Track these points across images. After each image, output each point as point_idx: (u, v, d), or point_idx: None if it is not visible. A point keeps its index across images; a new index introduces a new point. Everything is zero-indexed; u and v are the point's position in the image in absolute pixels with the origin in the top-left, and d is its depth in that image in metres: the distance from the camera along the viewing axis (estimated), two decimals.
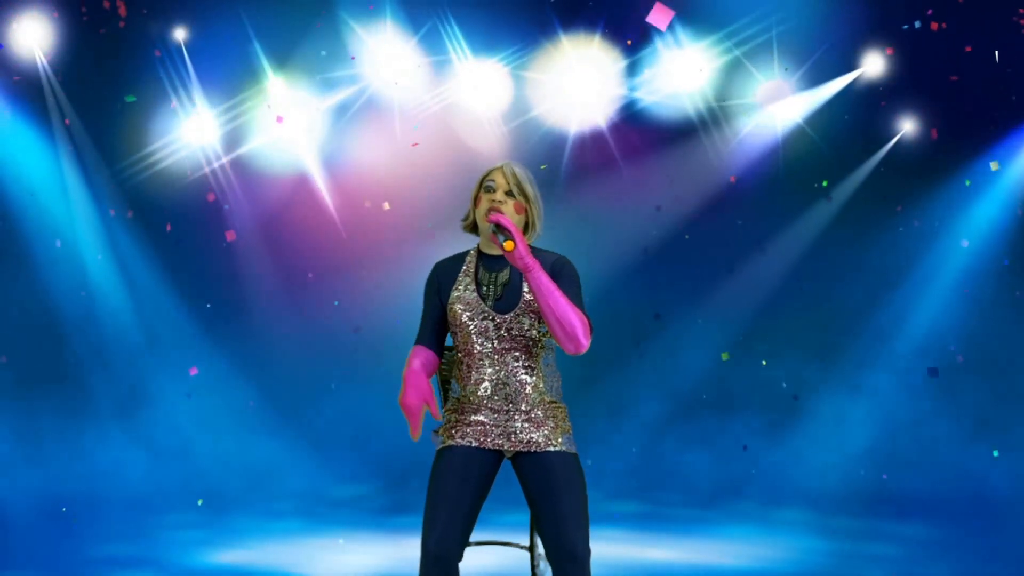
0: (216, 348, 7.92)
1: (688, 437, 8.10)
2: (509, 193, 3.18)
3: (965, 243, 8.07)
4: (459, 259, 3.29)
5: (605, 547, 5.73)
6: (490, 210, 3.15)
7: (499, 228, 3.04)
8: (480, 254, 3.27)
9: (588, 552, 3.00)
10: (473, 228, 3.29)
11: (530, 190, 3.20)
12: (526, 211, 3.20)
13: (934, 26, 7.36)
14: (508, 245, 2.97)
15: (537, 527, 3.12)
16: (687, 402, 8.19)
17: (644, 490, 7.62)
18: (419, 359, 3.17)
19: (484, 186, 3.20)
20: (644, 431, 8.13)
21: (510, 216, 3.15)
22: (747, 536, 6.33)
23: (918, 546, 6.07)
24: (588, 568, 2.99)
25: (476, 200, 3.22)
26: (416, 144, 7.55)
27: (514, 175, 3.19)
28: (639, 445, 8.06)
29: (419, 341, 3.27)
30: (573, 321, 3.00)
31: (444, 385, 3.52)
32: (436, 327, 3.27)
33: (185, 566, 5.63)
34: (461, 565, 3.07)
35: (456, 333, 3.23)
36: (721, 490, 7.62)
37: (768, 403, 8.15)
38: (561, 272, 3.16)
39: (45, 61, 7.39)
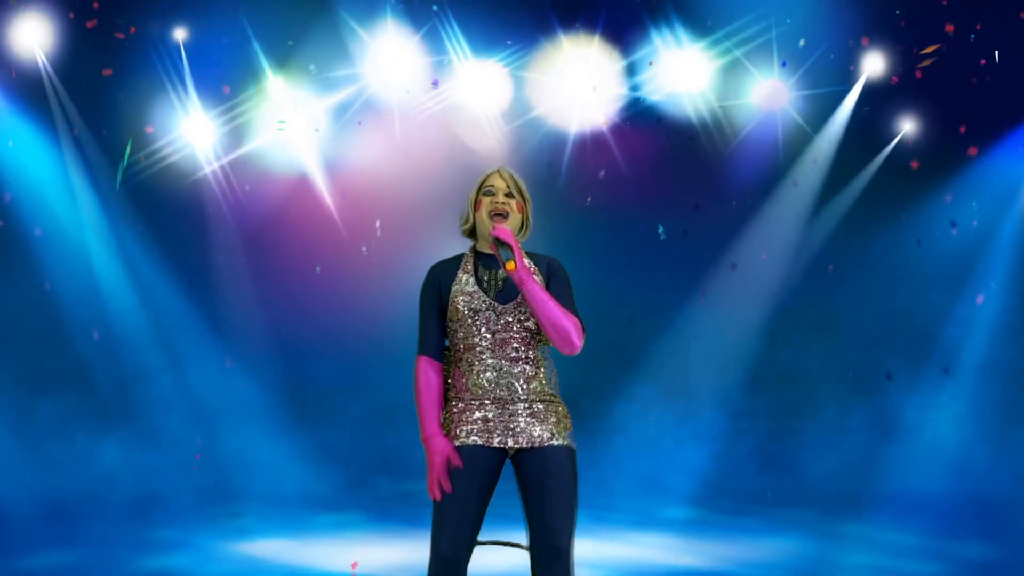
0: (218, 347, 7.93)
1: (690, 436, 8.11)
2: (509, 194, 3.31)
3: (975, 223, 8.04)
4: (455, 260, 3.35)
5: (606, 547, 5.75)
6: (492, 214, 3.26)
7: (499, 242, 3.14)
8: (477, 253, 3.35)
9: (571, 545, 3.04)
10: (471, 232, 3.38)
11: (526, 191, 3.36)
12: (523, 210, 3.33)
13: (949, 28, 7.33)
14: (509, 266, 3.08)
15: (526, 515, 3.15)
16: (688, 400, 8.20)
17: (646, 489, 7.64)
18: (432, 400, 3.22)
19: (483, 190, 3.32)
20: (642, 429, 8.15)
21: (514, 216, 3.29)
22: (745, 536, 6.32)
23: (915, 546, 6.07)
24: (570, 562, 3.03)
25: (476, 204, 3.33)
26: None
27: (511, 177, 3.34)
28: (638, 443, 8.08)
29: (424, 351, 3.29)
30: (567, 326, 3.14)
31: (445, 382, 3.51)
32: (438, 330, 3.30)
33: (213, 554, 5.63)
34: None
35: (457, 329, 3.26)
36: (722, 490, 7.63)
37: (772, 403, 8.17)
38: (554, 276, 3.28)
39: (46, 61, 7.39)
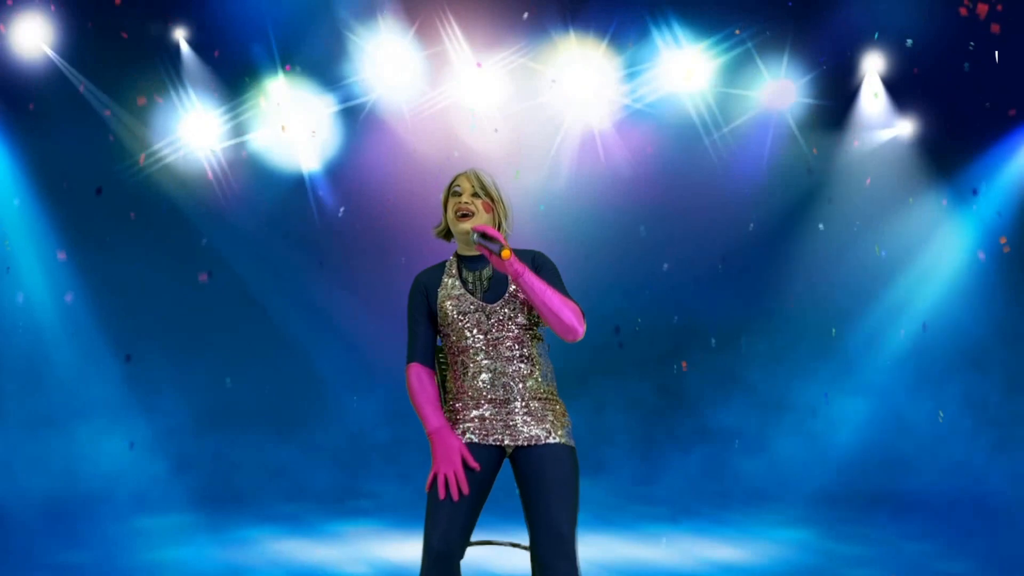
0: (220, 346, 7.94)
1: (679, 435, 8.13)
2: (475, 195, 3.30)
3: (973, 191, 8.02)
4: (439, 267, 3.37)
5: (601, 547, 5.77)
6: (458, 214, 3.26)
7: (485, 236, 3.11)
8: (459, 257, 3.35)
9: (574, 535, 3.02)
10: (445, 235, 3.41)
11: (494, 191, 3.34)
12: (493, 210, 3.32)
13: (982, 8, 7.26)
14: (505, 253, 3.05)
15: (525, 511, 3.14)
16: (676, 401, 8.22)
17: (640, 489, 7.66)
18: (428, 396, 3.21)
19: (451, 191, 3.33)
20: (634, 428, 8.18)
21: (480, 215, 3.28)
22: (743, 536, 6.33)
23: (915, 546, 6.08)
24: (574, 550, 3.01)
25: (446, 206, 3.35)
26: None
27: (478, 178, 3.33)
28: (631, 442, 8.11)
29: (412, 358, 3.29)
30: (568, 313, 3.11)
31: (443, 384, 3.53)
32: (427, 336, 3.31)
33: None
34: (462, 564, 3.08)
35: (448, 333, 3.26)
36: (716, 488, 7.64)
37: (763, 402, 8.18)
38: (542, 268, 3.26)
39: (57, 55, 7.40)
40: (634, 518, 6.86)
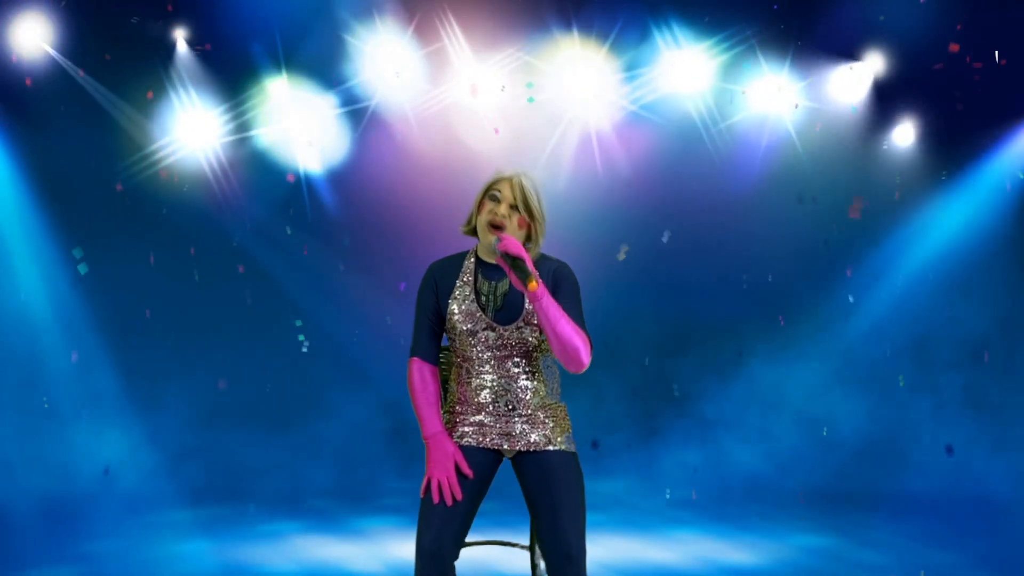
0: (223, 346, 7.93)
1: (680, 436, 8.12)
2: (514, 207, 3.09)
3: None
4: (456, 263, 3.21)
5: (604, 547, 5.76)
6: (490, 225, 3.07)
7: (510, 259, 2.88)
8: (478, 260, 3.20)
9: (583, 551, 2.99)
10: (473, 232, 3.20)
11: (536, 206, 3.10)
12: (529, 227, 3.12)
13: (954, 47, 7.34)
14: (531, 286, 2.83)
15: (534, 524, 3.12)
16: (676, 400, 8.22)
17: (639, 486, 7.66)
18: (428, 397, 3.15)
19: (489, 194, 3.11)
20: (634, 426, 8.18)
21: (513, 233, 3.07)
22: (742, 535, 6.33)
23: (915, 546, 6.07)
24: (583, 567, 2.99)
25: (480, 205, 3.13)
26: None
27: (522, 189, 3.08)
28: (630, 436, 8.11)
29: (416, 352, 3.21)
30: (577, 344, 2.97)
31: (443, 385, 3.52)
32: (433, 332, 3.21)
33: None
34: (460, 564, 3.07)
35: (454, 339, 3.18)
36: (713, 487, 7.63)
37: (761, 400, 8.17)
38: (561, 283, 3.11)
39: (58, 54, 7.39)
40: (633, 514, 6.86)
